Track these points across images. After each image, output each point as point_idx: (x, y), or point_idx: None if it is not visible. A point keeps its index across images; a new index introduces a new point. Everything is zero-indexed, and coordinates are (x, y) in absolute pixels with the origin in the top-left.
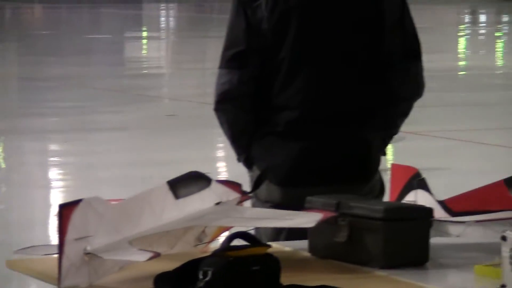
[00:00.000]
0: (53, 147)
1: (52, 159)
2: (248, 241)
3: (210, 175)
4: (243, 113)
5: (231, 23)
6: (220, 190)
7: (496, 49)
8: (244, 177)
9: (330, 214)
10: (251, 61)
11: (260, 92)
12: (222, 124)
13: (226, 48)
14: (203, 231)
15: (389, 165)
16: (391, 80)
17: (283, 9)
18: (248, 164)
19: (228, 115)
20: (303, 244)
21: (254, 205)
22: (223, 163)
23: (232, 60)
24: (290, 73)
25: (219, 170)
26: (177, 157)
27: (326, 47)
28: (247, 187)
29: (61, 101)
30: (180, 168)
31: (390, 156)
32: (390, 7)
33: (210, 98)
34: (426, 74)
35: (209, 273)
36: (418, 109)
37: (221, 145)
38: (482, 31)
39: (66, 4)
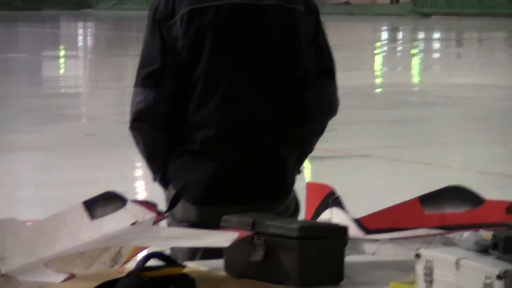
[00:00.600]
0: None
1: None
2: (163, 261)
3: (127, 195)
4: (159, 132)
5: (147, 42)
6: (135, 210)
7: (412, 66)
8: (160, 196)
9: (246, 233)
10: (166, 80)
11: (176, 111)
12: (137, 143)
13: (142, 67)
14: (119, 252)
15: (304, 183)
16: (305, 98)
17: (197, 28)
18: (164, 183)
19: (143, 134)
20: (219, 263)
21: (170, 225)
22: (141, 182)
23: (147, 78)
24: (205, 91)
25: (137, 189)
26: (94, 177)
27: (239, 65)
28: (163, 206)
29: None
30: (97, 188)
31: (306, 174)
32: (304, 24)
33: (128, 117)
34: (342, 91)
35: None
36: (334, 126)
37: (138, 164)
38: (399, 48)
39: None
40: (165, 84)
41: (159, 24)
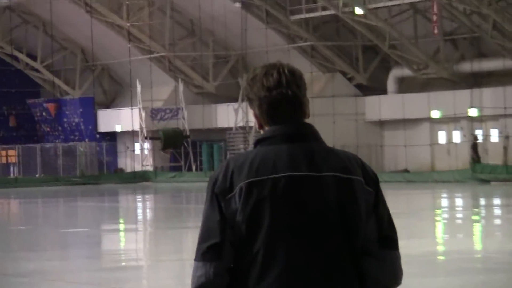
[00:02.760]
0: None
1: None
2: None
3: None
4: None
5: (206, 215)
6: None
7: (473, 233)
8: None
9: None
10: (226, 253)
11: (236, 283)
12: None
13: (201, 241)
14: None
15: None
16: (367, 269)
17: (255, 200)
18: None
19: None
20: None
21: None
22: None
23: (207, 252)
24: (266, 264)
25: None
26: None
27: (297, 236)
28: None
29: None
30: None
31: None
32: (364, 195)
33: None
34: (403, 259)
35: None
36: None
37: None
38: (459, 215)
39: (43, 199)
40: (225, 257)
41: (217, 198)
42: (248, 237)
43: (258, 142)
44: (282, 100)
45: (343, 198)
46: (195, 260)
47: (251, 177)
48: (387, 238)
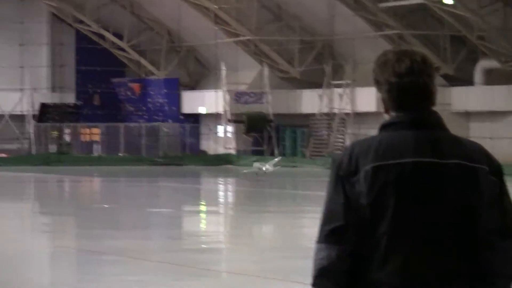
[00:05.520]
0: None
1: None
2: None
3: None
4: None
5: (330, 198)
6: None
7: None
8: None
9: None
10: (349, 237)
11: (357, 267)
12: None
13: (325, 223)
14: None
15: None
16: (487, 259)
17: (381, 185)
18: None
19: None
20: None
21: None
22: None
23: (330, 235)
24: (390, 249)
25: None
26: None
27: (420, 222)
28: None
29: (121, 275)
30: None
31: None
32: (488, 184)
33: (268, 274)
34: None
35: None
36: None
37: None
38: None
39: (126, 178)
40: (348, 240)
41: (342, 181)
42: (372, 221)
43: (383, 127)
44: (412, 88)
45: (466, 187)
46: (318, 242)
47: (377, 161)
48: (510, 228)
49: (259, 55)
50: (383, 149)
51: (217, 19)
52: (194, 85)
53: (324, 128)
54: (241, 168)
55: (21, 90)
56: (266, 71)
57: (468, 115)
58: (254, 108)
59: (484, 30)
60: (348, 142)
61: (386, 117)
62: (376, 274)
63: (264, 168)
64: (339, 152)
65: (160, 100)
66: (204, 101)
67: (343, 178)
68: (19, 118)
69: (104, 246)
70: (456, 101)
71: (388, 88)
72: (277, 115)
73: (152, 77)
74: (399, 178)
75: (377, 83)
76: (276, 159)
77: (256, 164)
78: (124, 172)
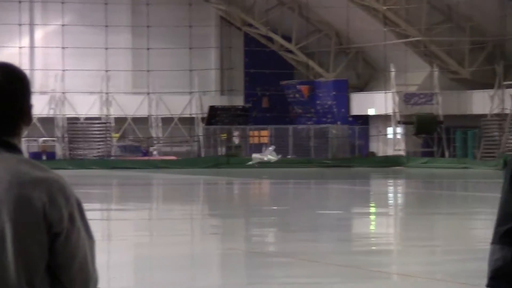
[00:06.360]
0: None
1: None
2: None
3: None
4: None
5: (504, 199)
6: None
7: None
8: None
9: None
10: None
11: None
12: None
13: (499, 224)
14: None
15: None
16: None
17: None
18: None
19: None
20: None
21: None
22: None
23: (505, 236)
24: None
25: None
26: None
27: None
28: None
29: (291, 277)
30: None
31: None
32: None
33: (439, 276)
34: None
35: None
36: None
37: None
38: None
39: (295, 180)
40: None
41: None
42: None
43: None
44: None
45: None
46: (492, 243)
47: None
48: None
49: (428, 56)
50: None
51: (386, 20)
52: (363, 87)
53: (495, 129)
54: (412, 170)
55: (190, 93)
56: (436, 72)
57: None
58: (424, 109)
59: None
60: None
61: None
62: None
63: (265, 158)
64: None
65: (329, 102)
66: (373, 103)
67: None
68: (188, 121)
69: (273, 248)
70: None
71: None
72: (447, 116)
73: (320, 79)
74: None
75: None
76: (270, 148)
77: (256, 155)
78: (293, 174)
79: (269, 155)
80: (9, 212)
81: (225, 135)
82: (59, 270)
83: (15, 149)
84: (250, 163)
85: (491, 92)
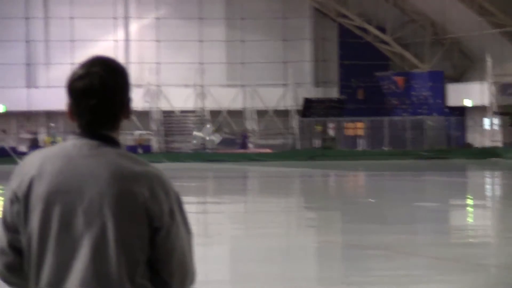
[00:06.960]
0: None
1: None
2: None
3: None
4: None
5: None
6: None
7: None
8: None
9: None
10: None
11: None
12: None
13: None
14: None
15: None
16: None
17: None
18: None
19: None
20: None
21: None
22: None
23: None
24: None
25: None
26: None
27: None
28: None
29: (388, 270)
30: None
31: None
32: None
33: None
34: None
35: None
36: None
37: None
38: None
39: (390, 172)
40: None
41: None
42: None
43: None
44: None
45: None
46: None
47: None
48: None
49: None
50: None
51: (482, 10)
52: (458, 78)
53: None
54: (509, 161)
55: (284, 85)
56: None
57: None
58: None
59: None
60: None
61: None
62: None
63: (207, 138)
64: None
65: (425, 93)
66: (470, 94)
67: None
68: (283, 113)
69: (370, 240)
70: None
71: None
72: None
73: (416, 70)
74: None
75: None
76: (208, 126)
77: (197, 134)
78: (388, 166)
79: (212, 136)
80: (111, 207)
81: (320, 127)
82: (158, 264)
83: (114, 143)
84: (194, 142)
85: None
